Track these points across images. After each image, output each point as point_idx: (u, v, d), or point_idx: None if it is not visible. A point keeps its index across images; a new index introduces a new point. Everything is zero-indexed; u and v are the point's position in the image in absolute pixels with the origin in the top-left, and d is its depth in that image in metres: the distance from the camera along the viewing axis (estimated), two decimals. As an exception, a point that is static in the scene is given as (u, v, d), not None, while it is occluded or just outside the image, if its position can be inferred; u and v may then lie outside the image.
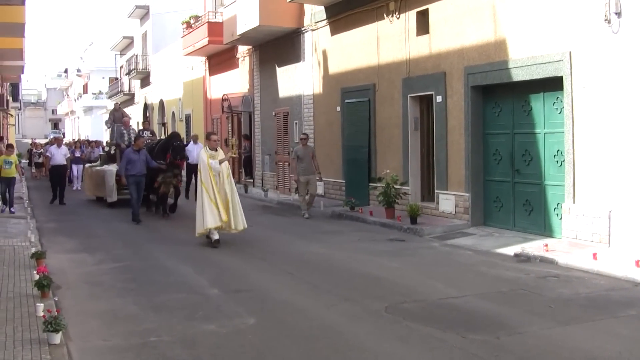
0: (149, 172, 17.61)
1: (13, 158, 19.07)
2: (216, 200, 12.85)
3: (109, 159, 22.39)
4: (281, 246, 13.39)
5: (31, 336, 7.02)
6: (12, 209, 18.28)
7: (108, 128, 25.04)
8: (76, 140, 39.36)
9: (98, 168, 22.26)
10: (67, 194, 22.99)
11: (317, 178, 18.03)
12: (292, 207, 19.95)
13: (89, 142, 35.86)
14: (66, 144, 28.37)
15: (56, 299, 8.78)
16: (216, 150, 13.37)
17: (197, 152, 20.67)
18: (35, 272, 9.69)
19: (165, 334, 7.45)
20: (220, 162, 13.07)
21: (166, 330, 7.59)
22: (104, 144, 33.62)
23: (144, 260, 12.02)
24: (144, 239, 14.36)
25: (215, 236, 13.03)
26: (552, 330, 7.38)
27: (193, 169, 19.26)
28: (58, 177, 22.44)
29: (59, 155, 23.04)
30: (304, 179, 17.70)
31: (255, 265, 11.41)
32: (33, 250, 11.65)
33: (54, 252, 12.50)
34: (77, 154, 29.46)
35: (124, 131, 21.81)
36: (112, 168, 20.69)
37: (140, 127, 24.76)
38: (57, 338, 6.79)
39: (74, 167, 28.16)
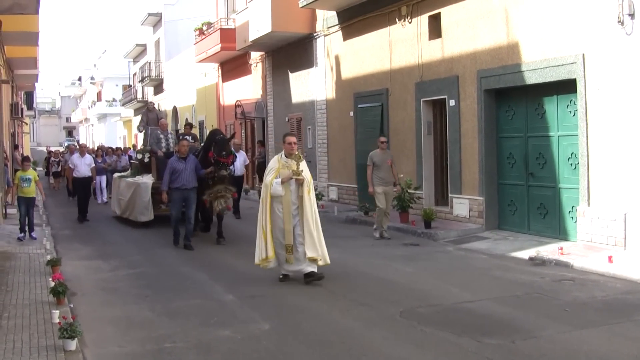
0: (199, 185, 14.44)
1: (32, 173, 15.62)
2: (266, 227, 10.25)
3: (142, 168, 18.65)
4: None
5: (47, 343, 7.06)
6: (32, 234, 15.25)
7: (141, 131, 20.82)
8: (98, 147, 33.68)
9: (129, 179, 18.69)
10: (90, 208, 19.94)
11: (395, 189, 14.99)
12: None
13: (113, 150, 30.48)
14: (90, 152, 24.29)
15: (71, 306, 8.83)
16: (299, 157, 10.37)
17: (240, 162, 18.78)
18: (50, 279, 9.75)
19: (180, 340, 7.47)
20: (283, 180, 10.10)
21: (181, 336, 7.60)
22: (131, 149, 31.01)
23: (159, 267, 12.06)
24: (158, 245, 14.37)
25: (285, 271, 10.43)
26: (567, 334, 7.34)
27: (234, 182, 16.06)
28: (83, 192, 19.55)
29: (83, 166, 19.82)
30: (381, 189, 14.60)
31: (270, 271, 11.35)
32: (48, 257, 11.70)
33: (69, 259, 12.56)
34: (99, 163, 24.88)
35: (161, 135, 18.13)
36: (147, 180, 17.52)
37: (181, 131, 21.57)
38: (72, 344, 6.82)
39: (98, 178, 23.56)
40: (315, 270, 10.11)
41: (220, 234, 14.56)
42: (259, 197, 11.23)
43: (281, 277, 10.40)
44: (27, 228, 15.15)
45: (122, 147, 35.76)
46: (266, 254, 10.28)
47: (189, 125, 19.56)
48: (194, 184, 14.15)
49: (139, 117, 48.05)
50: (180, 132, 18.86)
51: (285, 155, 10.31)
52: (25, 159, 17.16)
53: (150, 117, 20.23)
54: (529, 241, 13.14)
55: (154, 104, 22.42)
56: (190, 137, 17.84)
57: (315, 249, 10.10)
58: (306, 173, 10.30)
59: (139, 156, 19.06)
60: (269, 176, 10.21)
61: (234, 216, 18.03)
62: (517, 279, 10.23)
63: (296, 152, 10.33)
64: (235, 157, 16.76)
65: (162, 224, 16.31)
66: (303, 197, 10.13)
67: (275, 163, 10.33)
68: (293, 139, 10.52)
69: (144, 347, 7.26)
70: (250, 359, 6.85)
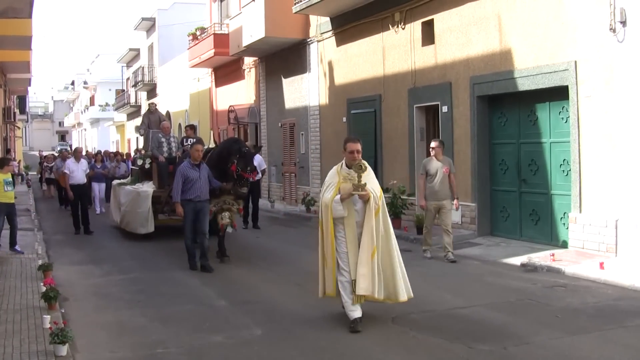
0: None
1: (8, 176, 13.74)
2: (327, 257, 8.27)
3: (142, 175, 17.24)
4: (288, 257, 13.38)
5: (37, 348, 7.03)
6: (17, 247, 13.62)
7: (142, 135, 19.15)
8: (96, 152, 31.44)
9: (129, 187, 17.15)
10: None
11: (454, 204, 12.80)
12: (299, 218, 19.96)
13: (114, 154, 28.59)
14: (84, 156, 22.04)
15: (63, 311, 8.81)
16: (361, 168, 8.04)
17: (257, 164, 15.61)
18: (42, 284, 9.71)
19: (172, 346, 7.46)
20: (342, 198, 7.99)
21: (173, 342, 7.59)
22: (133, 154, 28.07)
23: (152, 272, 12.03)
24: (151, 251, 14.33)
25: (354, 314, 8.00)
26: (560, 340, 7.36)
27: (251, 188, 14.96)
28: (78, 199, 17.67)
29: (80, 172, 17.97)
30: (434, 205, 12.65)
31: (263, 277, 11.40)
32: (40, 262, 11.67)
33: (61, 264, 12.54)
34: (99, 168, 23.34)
35: (163, 139, 16.61)
36: (147, 188, 16.11)
37: (183, 134, 19.62)
38: (63, 350, 6.80)
39: (95, 185, 22.51)
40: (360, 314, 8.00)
41: (223, 252, 12.91)
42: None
43: (351, 325, 7.89)
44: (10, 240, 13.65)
45: (122, 153, 32.67)
46: (324, 290, 8.38)
47: (190, 127, 18.09)
48: (207, 196, 12.28)
49: (132, 122, 47.18)
50: (182, 135, 17.13)
51: (347, 165, 8.27)
52: (2, 160, 14.30)
53: (152, 119, 18.52)
54: (521, 247, 13.17)
55: (155, 104, 20.32)
56: (193, 140, 16.03)
57: (374, 284, 7.93)
58: (373, 186, 8.12)
59: (139, 162, 17.58)
60: (328, 193, 8.14)
61: (247, 225, 17.35)
62: (510, 285, 10.25)
63: (357, 163, 8.08)
64: (258, 172, 15.62)
65: (160, 233, 15.65)
66: (367, 218, 7.98)
67: (334, 176, 8.29)
68: (356, 146, 8.27)
69: (136, 352, 7.24)
70: (242, 365, 6.86)
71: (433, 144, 12.82)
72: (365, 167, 8.05)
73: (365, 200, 7.95)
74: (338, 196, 7.98)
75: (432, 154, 12.75)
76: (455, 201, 12.70)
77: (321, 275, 8.38)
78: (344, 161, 8.31)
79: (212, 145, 16.10)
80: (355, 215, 8.03)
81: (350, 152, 8.22)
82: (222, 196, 12.88)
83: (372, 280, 7.88)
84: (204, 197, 12.12)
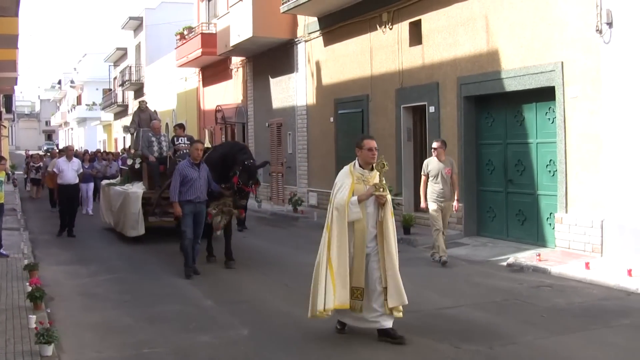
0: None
1: (2, 175, 13.50)
2: (335, 265, 7.36)
3: (132, 175, 16.79)
4: (276, 257, 13.38)
5: (23, 348, 6.99)
6: (2, 251, 13.13)
7: (132, 133, 18.52)
8: (85, 151, 30.26)
9: (118, 188, 16.79)
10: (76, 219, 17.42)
11: (454, 205, 12.39)
12: (286, 217, 19.95)
13: (105, 154, 27.64)
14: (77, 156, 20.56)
15: (49, 311, 8.76)
16: (383, 166, 7.53)
17: None
18: (28, 284, 9.66)
19: (159, 346, 7.44)
20: (360, 199, 7.38)
21: (160, 342, 7.58)
22: (122, 154, 28.07)
23: (139, 272, 11.99)
24: (138, 250, 14.28)
25: (340, 317, 7.72)
26: (545, 340, 7.39)
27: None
28: (69, 201, 17.03)
29: (70, 172, 17.21)
30: (436, 206, 12.16)
31: (250, 277, 11.39)
32: (26, 261, 11.60)
33: (47, 264, 12.47)
34: (87, 168, 22.21)
35: (153, 138, 16.11)
36: (137, 189, 15.63)
37: (172, 133, 19.02)
38: (49, 350, 6.77)
39: (83, 185, 20.87)
40: (391, 324, 7.44)
41: (229, 256, 12.43)
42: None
43: (338, 327, 7.76)
44: None
45: (112, 152, 31.79)
46: (324, 304, 7.32)
47: (180, 126, 17.08)
48: (205, 197, 11.79)
49: (119, 122, 46.88)
50: (175, 134, 16.49)
51: (360, 165, 7.64)
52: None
53: (142, 117, 17.91)
54: (507, 247, 13.21)
55: (146, 102, 19.57)
56: (185, 139, 15.99)
57: (400, 295, 7.39)
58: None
59: (129, 161, 17.14)
60: (341, 194, 7.46)
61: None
62: (496, 285, 10.29)
63: (379, 161, 7.53)
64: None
65: (149, 235, 15.19)
66: (385, 223, 7.44)
67: (346, 176, 7.59)
68: (374, 143, 7.67)
69: (122, 352, 7.22)
70: (229, 365, 6.85)
71: (435, 144, 12.39)
72: (386, 166, 7.53)
73: (382, 202, 7.40)
74: (354, 198, 7.36)
75: (434, 155, 12.32)
76: (455, 203, 12.28)
77: (320, 287, 7.39)
78: (356, 160, 7.69)
79: (207, 145, 15.68)
80: (367, 219, 7.43)
81: (368, 149, 7.55)
82: (222, 198, 12.32)
83: (400, 290, 7.39)
84: (203, 198, 11.68)
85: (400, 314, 7.43)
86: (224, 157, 12.61)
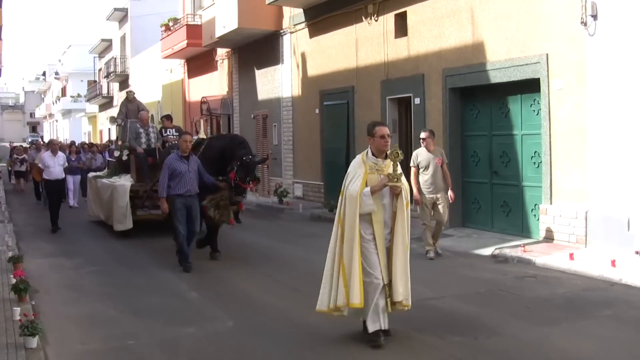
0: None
1: None
2: (352, 261, 6.92)
3: (120, 167, 16.51)
4: (261, 249, 13.36)
5: (7, 340, 6.96)
6: None
7: (119, 124, 18.10)
8: (71, 143, 29.83)
9: (105, 181, 16.49)
10: (61, 212, 17.03)
11: (448, 197, 12.02)
12: (272, 209, 19.93)
13: (90, 146, 27.27)
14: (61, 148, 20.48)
15: (33, 303, 8.73)
16: (398, 155, 7.08)
17: None
18: (12, 276, 9.60)
19: (144, 338, 7.44)
20: (374, 190, 6.95)
21: (145, 334, 7.57)
22: (110, 145, 27.51)
23: (124, 264, 11.95)
24: (124, 245, 14.22)
25: (377, 325, 7.03)
26: (530, 331, 7.43)
27: None
28: (56, 196, 16.80)
29: (57, 167, 16.92)
30: (429, 198, 11.91)
31: (236, 269, 11.37)
32: (10, 254, 11.53)
33: (32, 257, 12.42)
34: (74, 161, 22.31)
35: (141, 130, 15.72)
36: (124, 182, 15.32)
37: (159, 125, 17.75)
38: (33, 342, 6.75)
39: (69, 178, 20.90)
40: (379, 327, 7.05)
41: (215, 248, 12.26)
42: None
43: (373, 339, 6.99)
44: None
45: (97, 144, 31.31)
46: (336, 300, 7.06)
47: (167, 118, 16.75)
48: (197, 190, 11.37)
49: (104, 113, 46.63)
50: (163, 126, 16.21)
51: (373, 154, 7.19)
52: None
53: (130, 108, 17.61)
54: (492, 239, 13.24)
55: (134, 92, 19.12)
56: (174, 130, 15.86)
57: (407, 288, 7.23)
58: (402, 177, 7.16)
59: (117, 153, 16.78)
60: (354, 184, 6.99)
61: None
62: (481, 276, 10.33)
63: (393, 149, 7.14)
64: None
65: (137, 228, 14.82)
66: (397, 214, 7.14)
67: (359, 166, 7.13)
68: (386, 130, 7.22)
69: (107, 344, 7.21)
70: (214, 357, 6.85)
71: (423, 135, 11.99)
72: (400, 155, 7.07)
73: (397, 193, 7.03)
74: (367, 189, 6.90)
75: (422, 145, 11.94)
76: (450, 192, 11.95)
77: (330, 283, 7.14)
78: (369, 149, 7.22)
79: (202, 135, 15.38)
80: (384, 211, 7.06)
81: (381, 136, 7.10)
82: (219, 192, 11.83)
83: (407, 284, 7.20)
84: (194, 192, 11.27)
85: (406, 308, 7.25)
86: (222, 150, 12.11)
